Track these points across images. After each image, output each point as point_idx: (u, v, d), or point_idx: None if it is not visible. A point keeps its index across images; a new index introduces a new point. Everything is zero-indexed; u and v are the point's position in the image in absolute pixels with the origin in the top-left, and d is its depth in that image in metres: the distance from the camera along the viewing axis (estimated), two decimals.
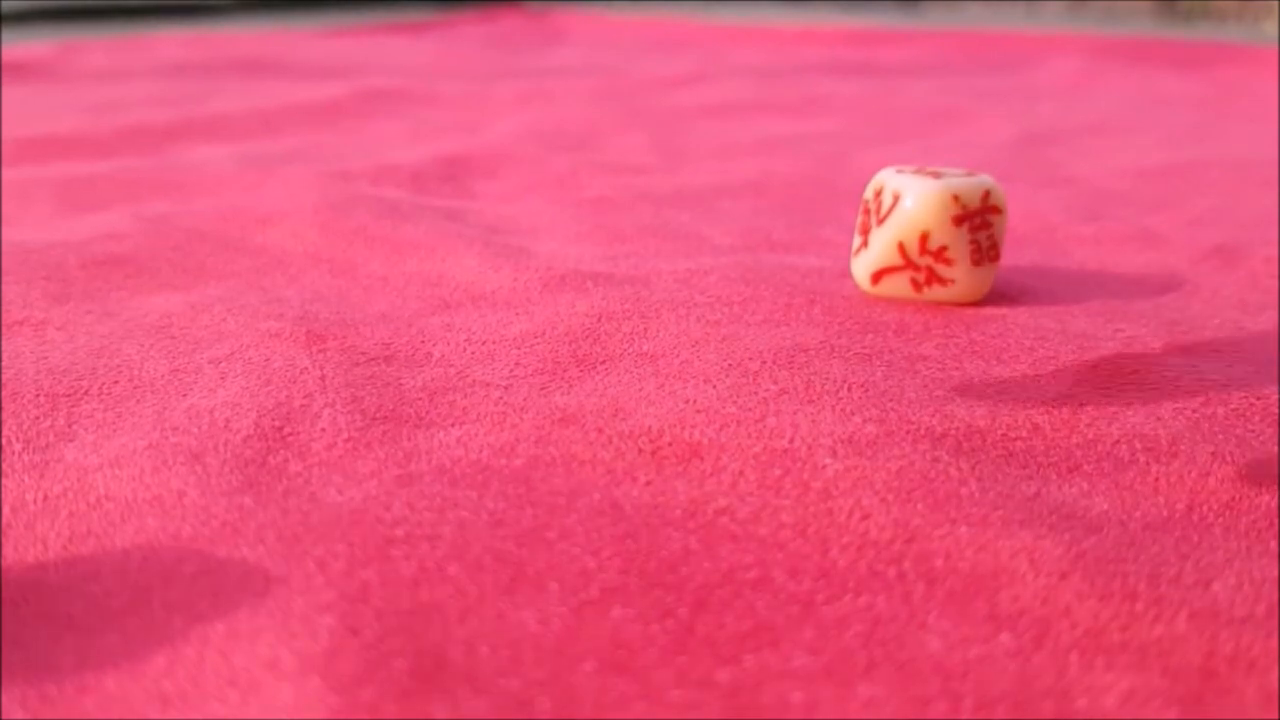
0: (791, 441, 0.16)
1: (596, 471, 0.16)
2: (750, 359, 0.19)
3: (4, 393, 0.18)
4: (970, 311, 0.23)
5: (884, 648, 0.12)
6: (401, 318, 0.22)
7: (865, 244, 0.23)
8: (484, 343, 0.21)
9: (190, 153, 0.40)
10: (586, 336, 0.21)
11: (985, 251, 0.23)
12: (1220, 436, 0.17)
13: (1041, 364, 0.20)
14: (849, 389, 0.18)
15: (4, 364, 0.20)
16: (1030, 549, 0.14)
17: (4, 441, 0.17)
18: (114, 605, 0.13)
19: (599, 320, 0.22)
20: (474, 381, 0.19)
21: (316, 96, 0.52)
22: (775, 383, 0.18)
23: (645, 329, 0.21)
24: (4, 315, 0.22)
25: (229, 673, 0.11)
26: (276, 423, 0.17)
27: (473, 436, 0.17)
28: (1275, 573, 0.13)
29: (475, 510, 0.15)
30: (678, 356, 0.20)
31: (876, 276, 0.23)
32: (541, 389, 0.19)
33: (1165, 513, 0.15)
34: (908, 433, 0.17)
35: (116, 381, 0.19)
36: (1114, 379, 0.19)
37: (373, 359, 0.20)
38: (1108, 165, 0.39)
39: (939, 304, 0.23)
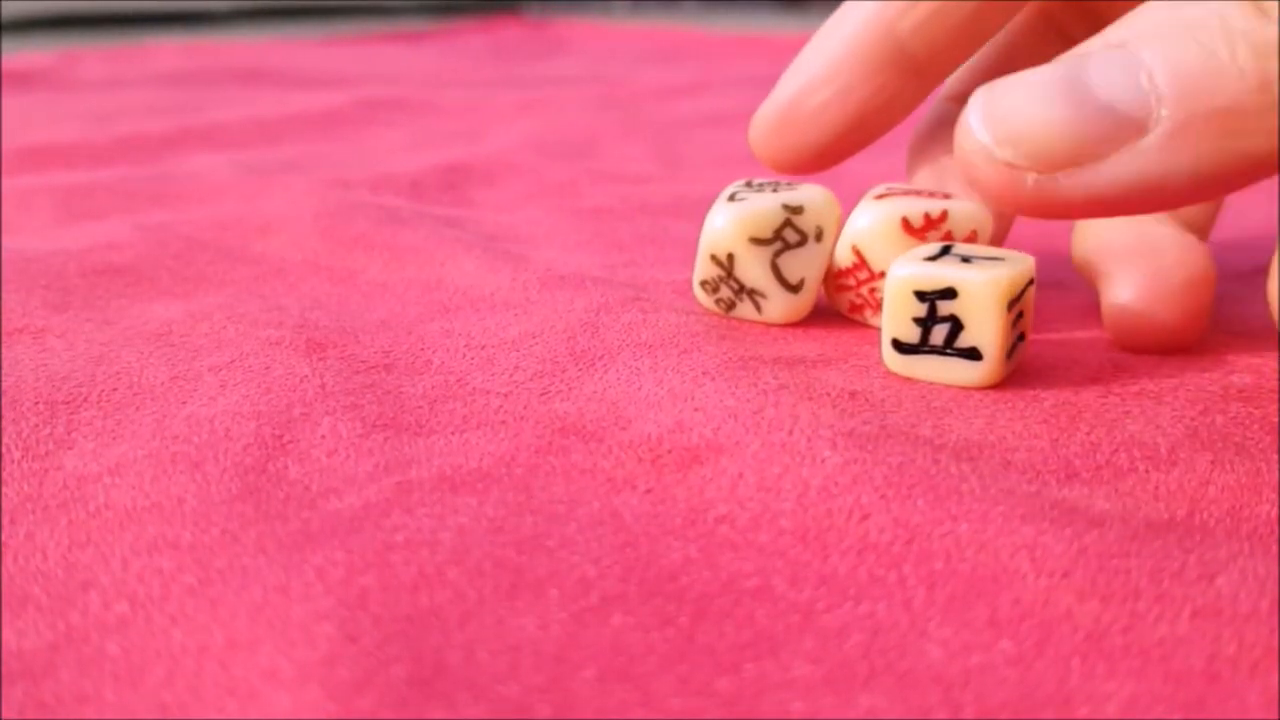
0: (791, 434, 0.16)
1: (596, 480, 0.16)
2: (749, 358, 0.19)
3: (3, 400, 0.18)
4: None
5: (884, 656, 0.12)
6: (401, 324, 0.22)
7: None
8: (483, 347, 0.21)
9: (189, 161, 0.40)
10: (585, 330, 0.21)
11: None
12: (1220, 444, 0.17)
13: (1038, 373, 0.20)
14: (849, 396, 0.18)
15: (3, 371, 0.20)
16: (1032, 546, 0.13)
17: (3, 449, 0.17)
18: (112, 614, 0.13)
19: (597, 314, 0.22)
20: (473, 389, 0.19)
21: (316, 105, 0.52)
22: (775, 378, 0.18)
23: (644, 320, 0.21)
24: (4, 323, 0.22)
25: (228, 682, 0.11)
26: (276, 430, 0.17)
27: (472, 444, 0.17)
28: (1278, 571, 0.13)
29: (475, 517, 0.15)
30: (676, 347, 0.20)
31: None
32: (541, 394, 0.19)
33: (1166, 517, 0.15)
34: (906, 436, 0.17)
35: (116, 389, 0.19)
36: (1112, 386, 0.19)
37: (372, 367, 0.20)
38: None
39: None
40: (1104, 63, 0.15)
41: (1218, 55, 0.14)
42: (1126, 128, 0.15)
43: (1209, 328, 0.22)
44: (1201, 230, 0.24)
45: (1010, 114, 0.16)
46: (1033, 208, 0.16)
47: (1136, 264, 0.20)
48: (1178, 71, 0.15)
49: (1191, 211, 0.24)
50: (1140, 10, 0.16)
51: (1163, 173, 0.15)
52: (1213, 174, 0.15)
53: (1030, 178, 0.16)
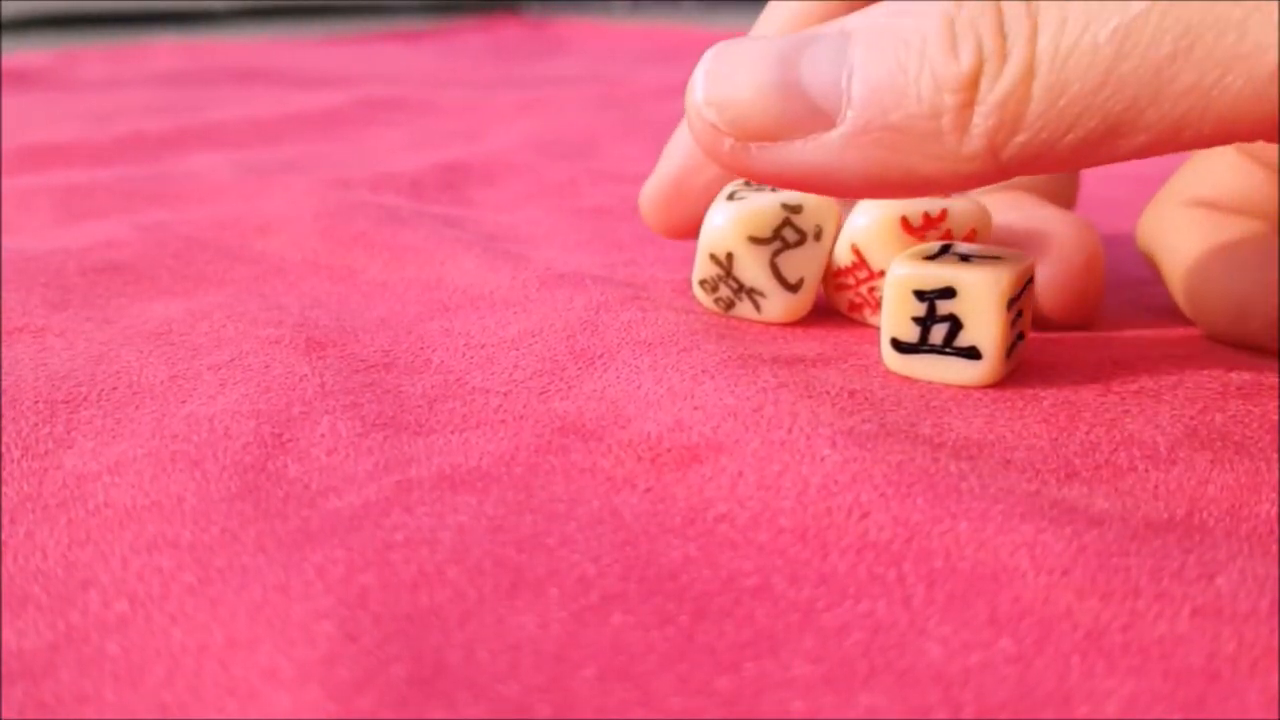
0: (790, 431, 0.16)
1: (596, 478, 0.16)
2: (748, 357, 0.19)
3: (3, 400, 0.18)
4: None
5: (884, 655, 0.12)
6: (401, 323, 0.22)
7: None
8: (482, 346, 0.21)
9: (189, 161, 0.40)
10: (584, 329, 0.21)
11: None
12: (1219, 443, 0.17)
13: (1038, 372, 0.20)
14: (848, 395, 0.18)
15: (3, 371, 0.20)
16: (1031, 544, 0.13)
17: (3, 449, 0.17)
18: (112, 613, 0.13)
19: (597, 312, 0.22)
20: (473, 388, 0.19)
21: (315, 105, 0.52)
22: (774, 377, 0.18)
23: (643, 319, 0.21)
24: (3, 322, 0.22)
25: (228, 682, 0.11)
26: (276, 429, 0.17)
27: (472, 443, 0.17)
28: (1278, 570, 0.13)
29: (475, 516, 0.15)
30: (676, 346, 0.20)
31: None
32: (540, 393, 0.19)
33: (1166, 516, 0.15)
34: (906, 434, 0.17)
35: (115, 388, 0.19)
36: (1111, 385, 0.19)
37: (372, 366, 0.20)
38: (1102, 170, 0.39)
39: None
40: (821, 50, 0.16)
41: (906, 75, 0.15)
42: (817, 118, 0.15)
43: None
44: (1067, 202, 0.25)
45: (723, 78, 0.16)
46: (730, 170, 0.17)
47: (1038, 249, 0.21)
48: (869, 79, 0.15)
49: (1054, 186, 0.25)
50: (881, 3, 0.16)
51: (839, 168, 0.16)
52: (880, 180, 0.15)
53: (727, 142, 0.16)
